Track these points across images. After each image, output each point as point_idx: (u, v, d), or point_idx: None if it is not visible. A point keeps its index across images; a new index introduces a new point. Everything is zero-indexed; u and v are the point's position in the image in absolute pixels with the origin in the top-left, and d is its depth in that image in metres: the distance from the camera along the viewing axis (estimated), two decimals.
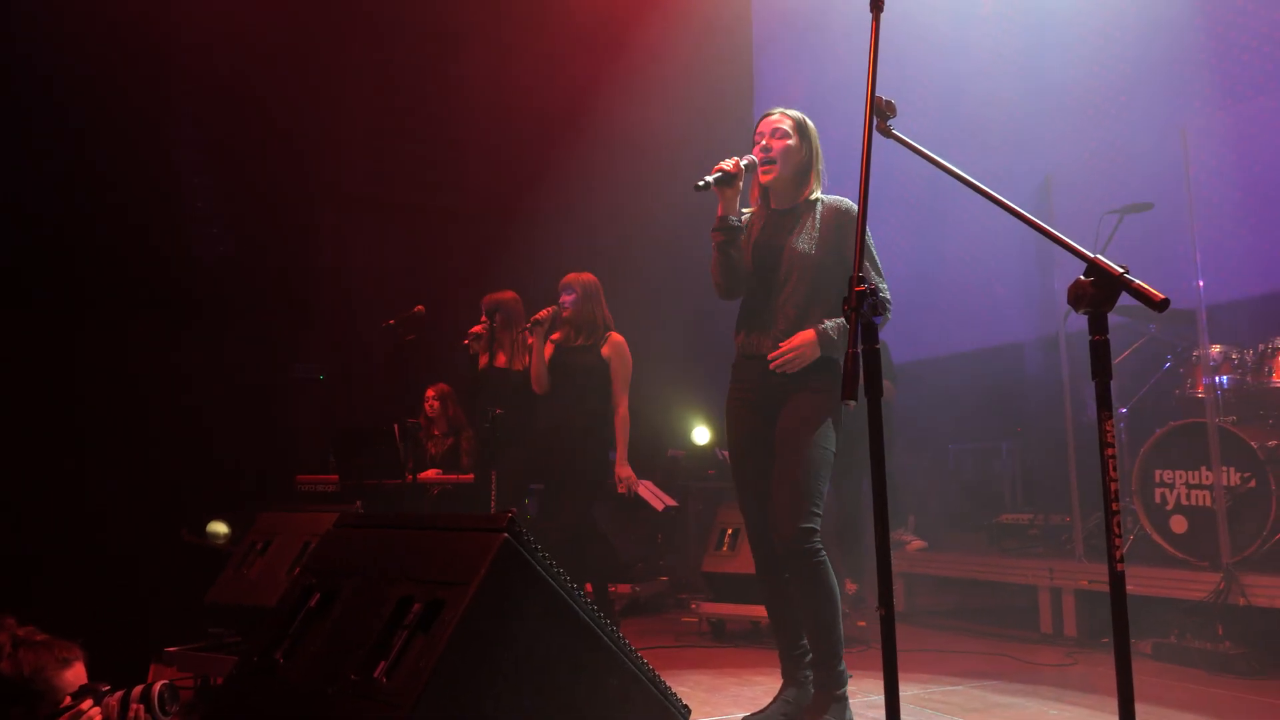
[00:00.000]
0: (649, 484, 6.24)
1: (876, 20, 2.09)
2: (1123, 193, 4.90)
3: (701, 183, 2.83)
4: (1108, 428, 1.76)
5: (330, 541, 2.00)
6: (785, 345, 2.81)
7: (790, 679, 2.93)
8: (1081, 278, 1.78)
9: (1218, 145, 4.90)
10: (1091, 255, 1.80)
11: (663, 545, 6.50)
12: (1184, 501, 4.26)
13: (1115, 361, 4.98)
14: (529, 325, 4.42)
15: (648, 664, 1.91)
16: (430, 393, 5.90)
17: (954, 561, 5.23)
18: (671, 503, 6.27)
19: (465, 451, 5.83)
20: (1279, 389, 4.27)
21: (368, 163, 8.07)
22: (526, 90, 8.05)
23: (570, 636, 1.73)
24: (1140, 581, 4.11)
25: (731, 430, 3.01)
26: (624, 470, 4.44)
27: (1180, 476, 4.28)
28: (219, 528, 6.09)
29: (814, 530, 2.73)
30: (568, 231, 7.66)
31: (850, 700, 2.83)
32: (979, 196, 2.01)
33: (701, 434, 8.00)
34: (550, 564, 1.72)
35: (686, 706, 1.99)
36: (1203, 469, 4.19)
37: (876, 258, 2.89)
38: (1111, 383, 5.49)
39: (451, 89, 8.01)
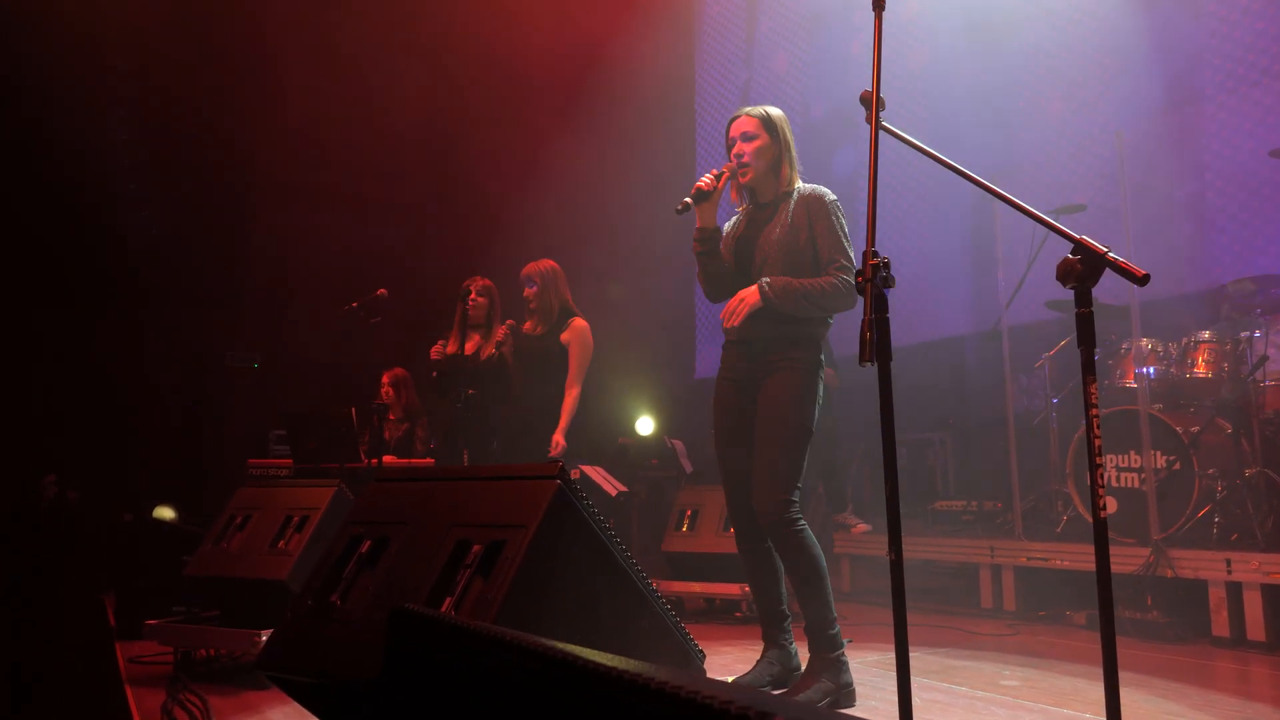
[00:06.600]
0: (601, 470, 6.34)
1: (879, 18, 2.26)
2: (1063, 192, 5.19)
3: (681, 206, 2.96)
4: (1092, 390, 1.95)
5: (372, 495, 2.07)
6: (729, 304, 2.94)
7: (772, 642, 3.06)
8: (1069, 255, 1.97)
9: (1152, 150, 5.24)
10: (1077, 236, 1.99)
11: (614, 530, 6.64)
12: (1115, 484, 4.56)
13: (1050, 354, 5.30)
14: None
15: (671, 609, 2.04)
16: (385, 378, 5.83)
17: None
18: (623, 488, 6.39)
19: (420, 439, 5.82)
20: (1200, 379, 4.60)
21: (306, 151, 8.00)
22: (465, 80, 8.11)
23: (610, 579, 1.85)
24: (1075, 558, 4.41)
25: (716, 408, 3.13)
26: (558, 437, 4.41)
27: (1111, 460, 4.58)
28: (165, 512, 6.05)
29: (791, 503, 2.87)
30: (509, 221, 7.72)
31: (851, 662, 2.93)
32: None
33: (645, 424, 8.16)
34: (594, 512, 1.84)
35: (702, 651, 2.13)
36: (1132, 453, 4.50)
37: (844, 241, 2.96)
38: (1045, 373, 5.73)
39: (391, 80, 8.02)
